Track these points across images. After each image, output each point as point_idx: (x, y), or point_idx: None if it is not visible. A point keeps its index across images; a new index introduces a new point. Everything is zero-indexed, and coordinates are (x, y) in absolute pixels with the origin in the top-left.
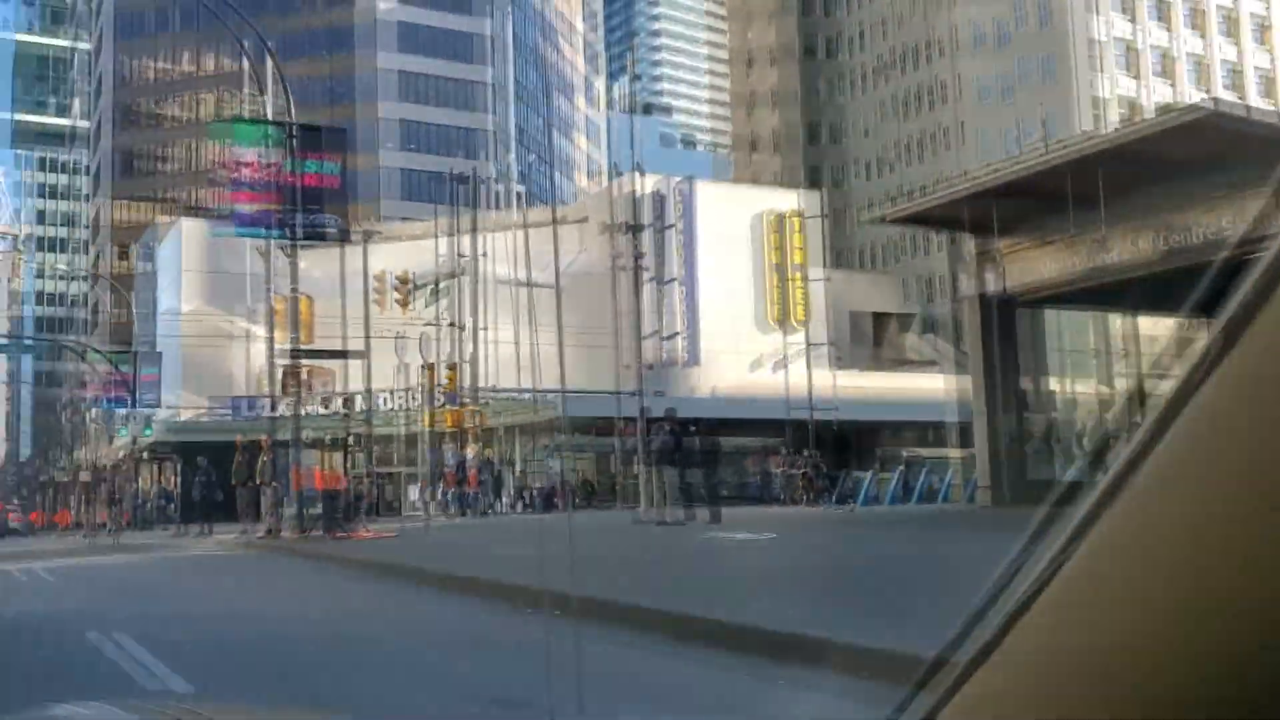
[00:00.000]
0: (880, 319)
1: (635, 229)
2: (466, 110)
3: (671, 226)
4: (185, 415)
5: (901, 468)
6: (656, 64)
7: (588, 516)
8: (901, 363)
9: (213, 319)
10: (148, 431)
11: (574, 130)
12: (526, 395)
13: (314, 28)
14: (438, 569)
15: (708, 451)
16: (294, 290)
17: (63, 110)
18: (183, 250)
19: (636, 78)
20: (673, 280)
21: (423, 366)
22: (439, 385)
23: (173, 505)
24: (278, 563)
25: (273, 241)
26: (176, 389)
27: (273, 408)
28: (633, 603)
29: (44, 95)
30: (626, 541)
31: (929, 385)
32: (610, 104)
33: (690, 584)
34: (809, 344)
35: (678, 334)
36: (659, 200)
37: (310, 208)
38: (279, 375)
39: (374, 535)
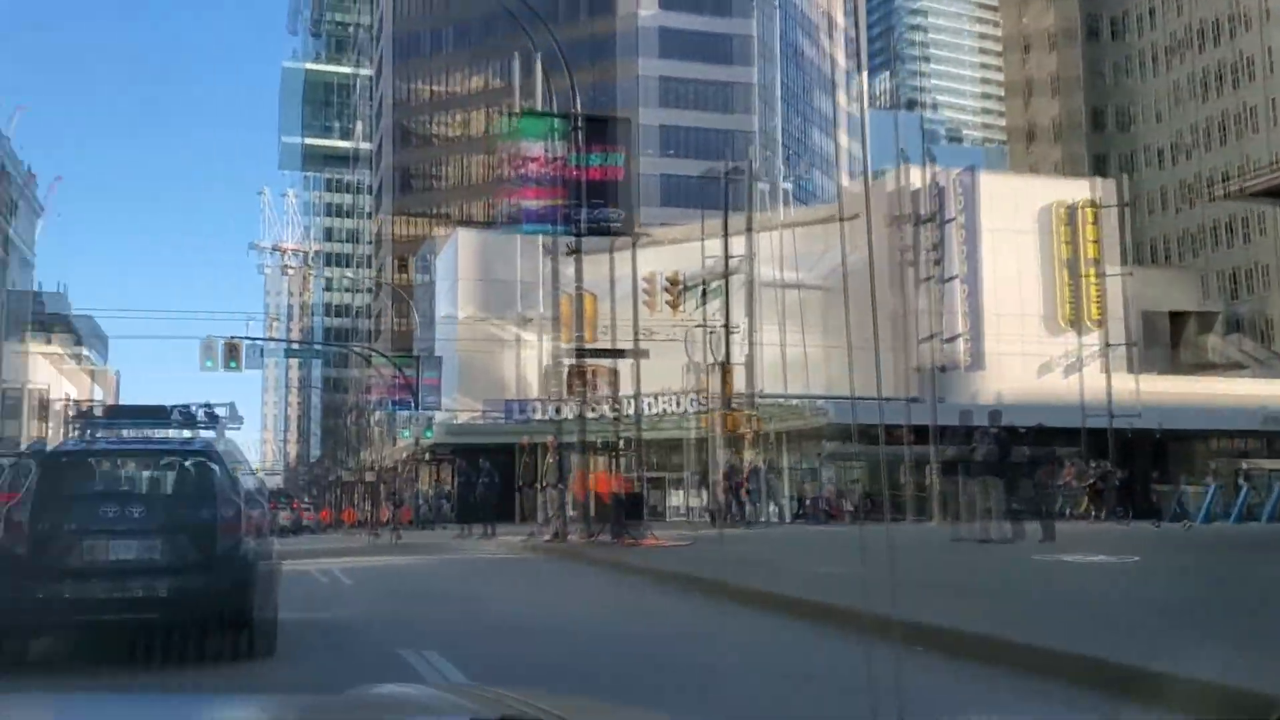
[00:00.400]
0: (1177, 318)
1: (922, 221)
2: (726, 112)
3: (952, 220)
4: (461, 418)
5: (1243, 482)
6: (917, 58)
7: (884, 530)
8: (1203, 366)
9: (486, 324)
10: (428, 433)
11: (835, 128)
12: (795, 401)
13: (578, 39)
14: (750, 585)
15: (1038, 461)
16: (579, 287)
17: (346, 134)
18: (459, 259)
19: (921, 71)
20: (954, 278)
21: (712, 366)
22: (707, 388)
23: (449, 505)
24: (572, 570)
25: (555, 238)
26: (452, 392)
27: (557, 410)
28: (998, 635)
29: (330, 120)
30: (956, 561)
31: (1240, 390)
32: (872, 100)
33: (1067, 616)
34: (1107, 345)
35: (959, 335)
36: (937, 193)
37: (594, 201)
38: (564, 374)
39: (663, 543)
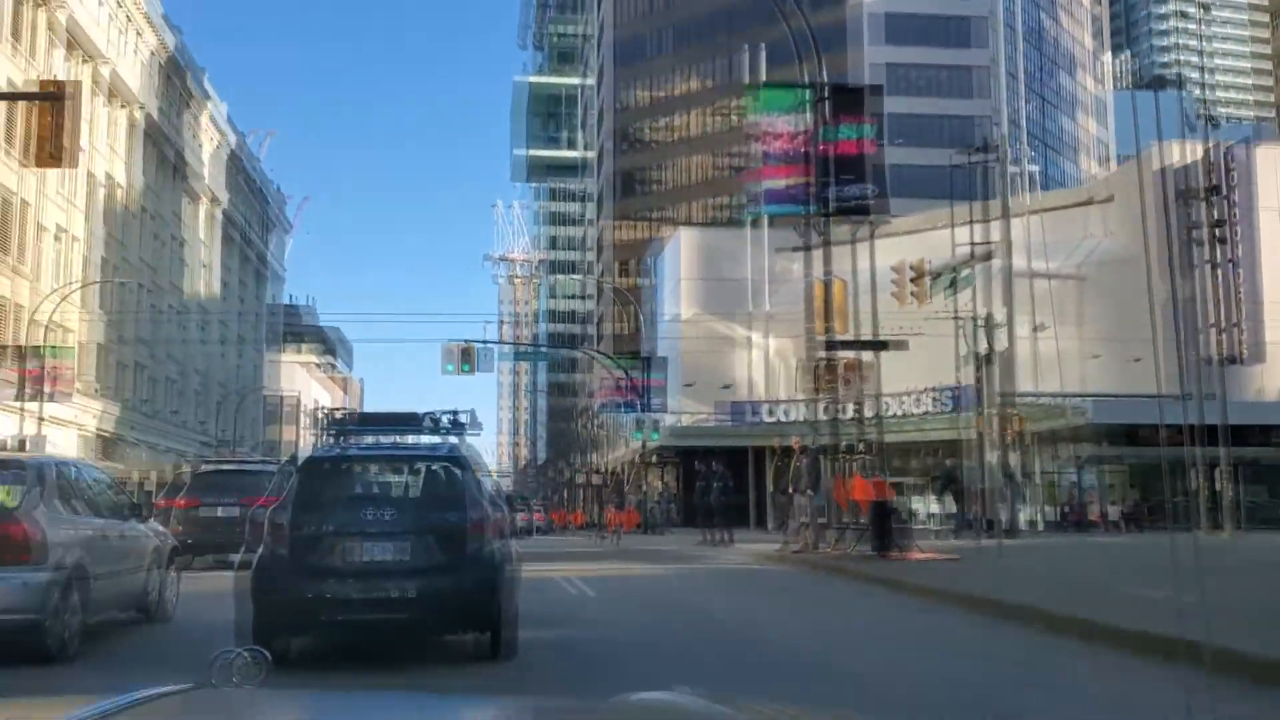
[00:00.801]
0: None
1: (1199, 198)
2: (959, 97)
3: (1225, 198)
4: (685, 420)
5: None
6: (1164, 33)
7: (1169, 542)
8: None
9: (710, 323)
10: (655, 435)
11: (1077, 110)
12: (1055, 399)
13: (801, 31)
14: (1071, 613)
15: None
16: (827, 273)
17: (571, 143)
18: (681, 259)
19: (1179, 44)
20: (1229, 262)
21: (978, 361)
22: (963, 386)
23: (676, 508)
24: (841, 587)
25: (805, 219)
26: (676, 394)
27: (787, 411)
28: None
29: (557, 131)
30: None
31: None
32: (1115, 80)
33: None
34: None
35: (1235, 325)
36: (1211, 169)
37: (844, 177)
38: (816, 369)
39: (931, 556)
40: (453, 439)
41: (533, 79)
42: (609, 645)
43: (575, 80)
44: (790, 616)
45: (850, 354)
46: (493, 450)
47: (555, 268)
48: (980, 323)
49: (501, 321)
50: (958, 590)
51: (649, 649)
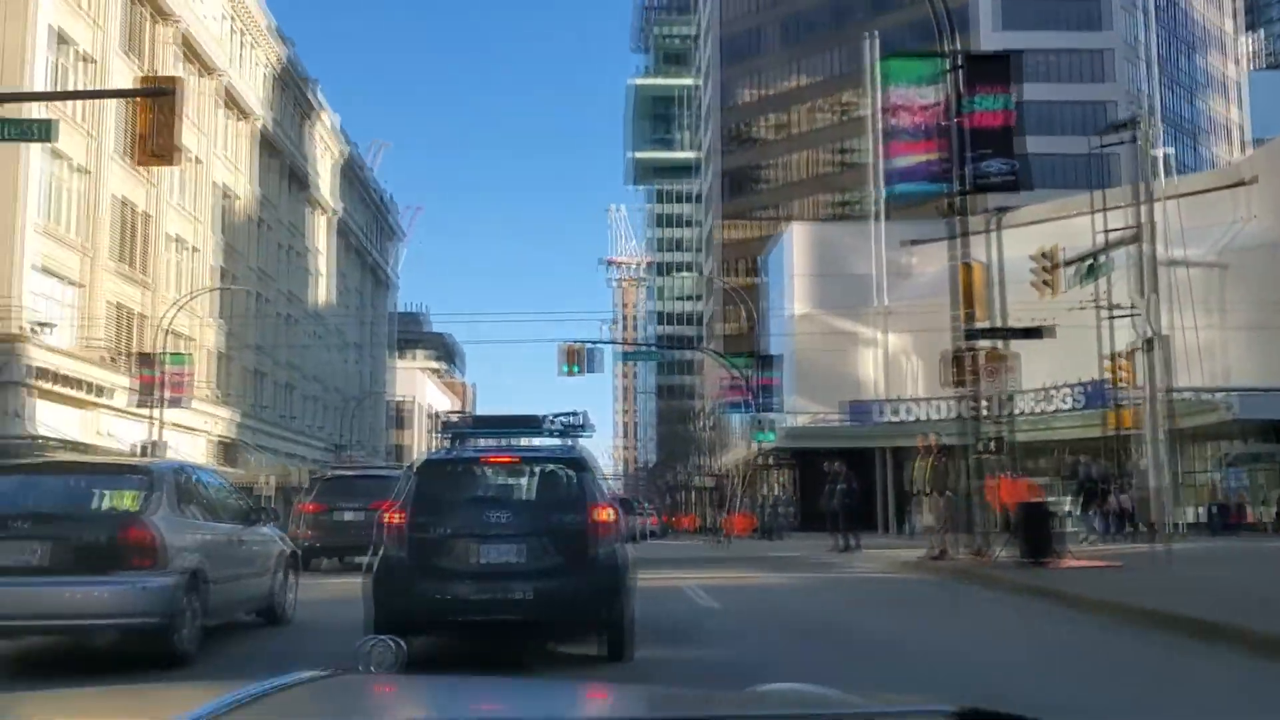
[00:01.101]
0: None
1: None
2: (1084, 82)
3: None
4: (800, 420)
5: None
6: None
7: None
8: None
9: (827, 319)
10: (770, 436)
11: (1211, 92)
12: (1187, 394)
13: (915, 20)
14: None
15: None
16: (965, 255)
17: (682, 144)
18: (794, 255)
19: None
20: None
21: (1136, 349)
22: (1100, 380)
23: (794, 512)
24: (998, 601)
25: (951, 198)
26: (790, 394)
27: (976, 403)
28: None
29: (667, 133)
30: None
31: None
32: (1251, 60)
33: None
34: None
35: None
36: None
37: (983, 151)
38: (958, 360)
39: (1090, 564)
40: (570, 440)
41: (641, 81)
42: (744, 665)
43: (685, 81)
44: (951, 637)
45: (989, 344)
46: (608, 452)
47: (664, 269)
48: (1140, 310)
49: (614, 323)
50: (1140, 605)
51: (789, 672)
